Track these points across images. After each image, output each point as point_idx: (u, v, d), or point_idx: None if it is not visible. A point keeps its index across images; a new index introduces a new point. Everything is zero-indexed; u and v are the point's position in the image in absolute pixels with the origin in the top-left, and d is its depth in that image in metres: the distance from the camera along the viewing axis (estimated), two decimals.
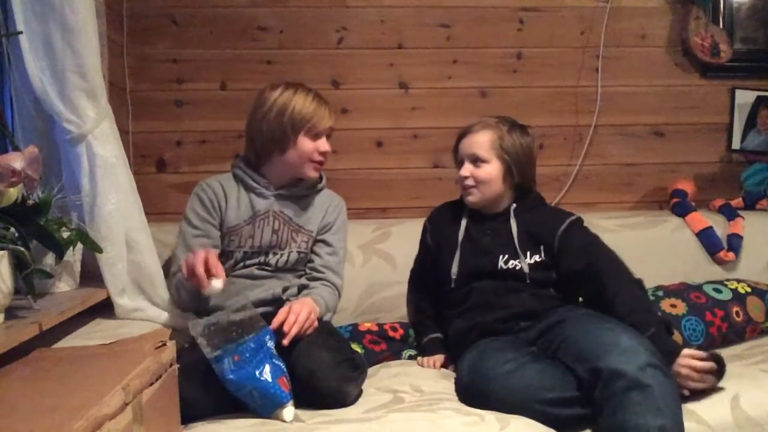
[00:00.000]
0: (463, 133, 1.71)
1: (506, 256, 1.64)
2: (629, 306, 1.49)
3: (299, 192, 1.69)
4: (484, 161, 1.65)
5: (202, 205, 1.64)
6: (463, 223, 1.72)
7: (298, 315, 1.43)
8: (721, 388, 1.40)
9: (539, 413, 1.31)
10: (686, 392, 1.37)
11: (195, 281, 1.43)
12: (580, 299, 1.70)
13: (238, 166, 1.69)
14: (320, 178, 1.73)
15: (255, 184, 1.66)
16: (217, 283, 1.43)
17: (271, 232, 1.64)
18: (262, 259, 1.64)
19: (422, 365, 1.67)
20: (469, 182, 1.67)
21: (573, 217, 1.68)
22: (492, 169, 1.65)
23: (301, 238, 1.67)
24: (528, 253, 1.64)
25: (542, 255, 1.64)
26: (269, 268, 1.64)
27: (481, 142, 1.66)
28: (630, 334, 1.35)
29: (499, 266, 1.63)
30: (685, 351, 1.39)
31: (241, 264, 1.63)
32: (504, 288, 1.62)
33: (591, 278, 1.57)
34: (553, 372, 1.38)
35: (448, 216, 1.77)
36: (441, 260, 1.71)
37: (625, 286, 1.55)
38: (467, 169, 1.67)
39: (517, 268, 1.63)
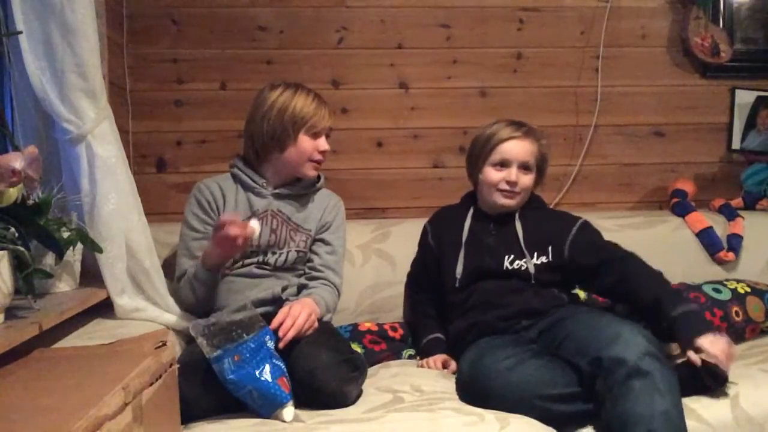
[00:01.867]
0: (505, 137, 1.67)
1: (512, 257, 1.65)
2: (662, 288, 1.52)
3: (297, 191, 1.70)
4: (529, 169, 1.68)
5: (200, 207, 1.64)
6: (467, 224, 1.73)
7: (296, 318, 1.42)
8: (723, 390, 1.40)
9: (539, 409, 1.32)
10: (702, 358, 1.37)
11: (234, 242, 1.45)
12: (581, 293, 1.74)
13: (236, 166, 1.70)
14: (318, 177, 1.74)
15: (253, 183, 1.67)
16: (254, 223, 1.50)
17: (269, 232, 1.64)
18: (260, 258, 1.64)
19: (423, 366, 1.66)
20: (517, 188, 1.67)
21: (581, 221, 1.70)
22: (533, 177, 1.70)
23: (300, 237, 1.67)
24: (535, 254, 1.65)
25: (549, 257, 1.65)
26: (268, 268, 1.64)
27: (531, 150, 1.68)
28: (630, 325, 1.35)
29: (504, 266, 1.64)
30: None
31: (240, 263, 1.64)
32: (507, 287, 1.63)
33: (610, 270, 1.57)
34: (554, 368, 1.38)
35: (450, 218, 1.78)
36: (444, 261, 1.71)
37: (652, 272, 1.56)
38: (516, 174, 1.66)
39: (523, 268, 1.63)
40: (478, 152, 1.72)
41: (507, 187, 1.67)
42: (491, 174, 1.68)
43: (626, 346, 1.28)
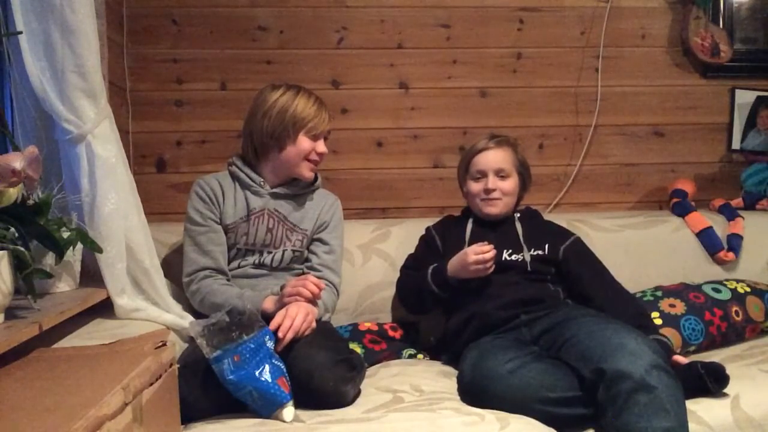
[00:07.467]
0: (479, 150, 1.79)
1: (510, 251, 1.73)
2: (640, 317, 1.60)
3: (294, 191, 1.70)
4: (508, 175, 1.77)
5: (202, 201, 1.65)
6: (469, 227, 1.81)
7: (294, 320, 1.42)
8: (725, 394, 1.40)
9: (541, 412, 1.31)
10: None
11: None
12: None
13: (234, 164, 1.70)
14: (315, 177, 1.75)
15: (251, 182, 1.67)
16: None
17: (265, 230, 1.64)
18: (257, 258, 1.64)
19: (473, 255, 1.60)
20: (497, 194, 1.76)
21: (576, 236, 1.81)
22: (514, 182, 1.78)
23: (296, 236, 1.67)
24: (532, 248, 1.73)
25: (545, 251, 1.73)
26: (265, 268, 1.65)
27: (505, 157, 1.78)
28: (635, 335, 1.35)
29: (503, 258, 1.71)
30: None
31: (237, 263, 1.64)
32: (504, 280, 1.68)
33: (593, 285, 1.69)
34: (556, 371, 1.38)
35: (454, 224, 1.86)
36: (447, 258, 1.73)
37: (633, 300, 1.69)
38: (494, 181, 1.75)
39: (519, 260, 1.71)
40: (461, 170, 1.85)
41: (486, 195, 1.76)
42: (472, 186, 1.80)
43: (631, 358, 1.27)
